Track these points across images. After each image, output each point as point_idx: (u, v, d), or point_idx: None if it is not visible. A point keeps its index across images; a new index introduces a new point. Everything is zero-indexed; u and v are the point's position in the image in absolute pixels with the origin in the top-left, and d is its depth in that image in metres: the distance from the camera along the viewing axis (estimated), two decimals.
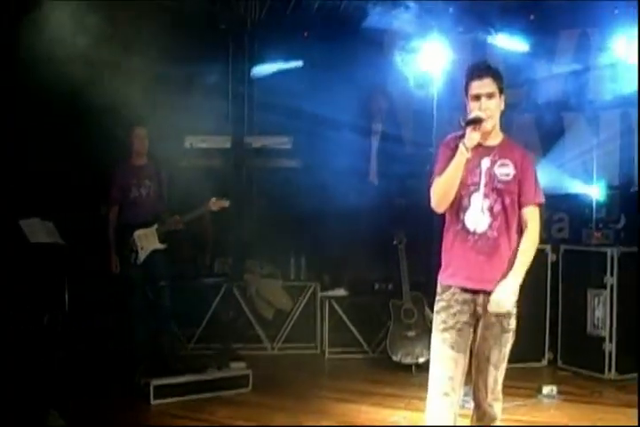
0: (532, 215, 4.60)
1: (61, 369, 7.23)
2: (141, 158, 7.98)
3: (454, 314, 4.54)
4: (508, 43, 9.26)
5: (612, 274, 7.65)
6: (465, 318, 4.52)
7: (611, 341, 7.65)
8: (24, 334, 7.61)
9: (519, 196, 4.55)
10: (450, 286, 4.58)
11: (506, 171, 4.55)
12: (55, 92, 7.93)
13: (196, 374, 7.24)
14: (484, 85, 4.55)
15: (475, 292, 4.51)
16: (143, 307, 7.85)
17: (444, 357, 4.56)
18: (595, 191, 8.42)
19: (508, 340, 4.58)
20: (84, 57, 7.71)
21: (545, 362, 8.29)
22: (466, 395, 7.21)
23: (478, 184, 4.52)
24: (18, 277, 7.78)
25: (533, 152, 9.11)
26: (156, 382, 6.96)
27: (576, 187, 8.79)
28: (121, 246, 7.82)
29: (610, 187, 8.40)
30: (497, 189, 4.51)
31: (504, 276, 4.48)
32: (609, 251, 7.71)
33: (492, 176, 4.52)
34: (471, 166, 4.50)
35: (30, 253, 7.78)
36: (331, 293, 9.00)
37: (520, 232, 4.59)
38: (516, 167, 4.55)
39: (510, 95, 9.38)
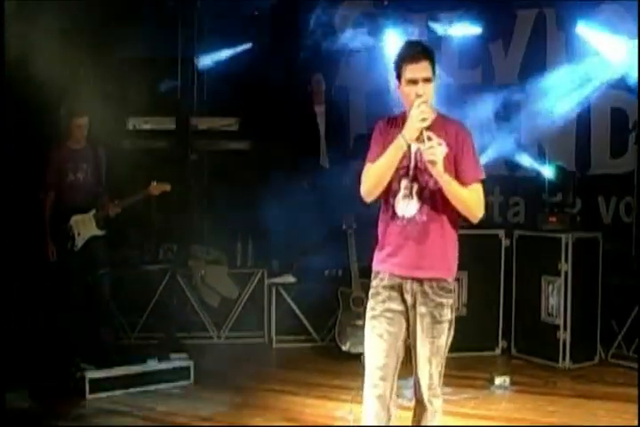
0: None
1: None
2: (79, 142, 7.63)
3: (383, 301, 4.30)
4: (464, 23, 9.09)
5: (566, 260, 7.45)
6: (394, 305, 4.29)
7: (565, 329, 7.47)
8: None
9: (457, 175, 4.24)
10: (379, 272, 4.35)
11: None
12: None
13: (135, 366, 6.95)
14: (422, 69, 4.21)
15: (403, 278, 4.27)
16: (81, 296, 7.53)
17: (371, 346, 4.33)
18: (550, 175, 8.15)
19: (443, 332, 4.31)
20: (18, 32, 7.37)
21: (499, 351, 8.11)
22: None
23: (408, 167, 4.25)
24: None
25: (489, 133, 9.10)
26: (91, 375, 6.67)
27: (531, 170, 8.63)
28: (57, 233, 7.50)
29: (565, 171, 8.19)
30: (428, 171, 4.20)
31: (435, 262, 4.26)
32: (563, 237, 7.51)
33: (422, 158, 4.20)
34: None
35: None
36: (279, 279, 8.70)
37: (458, 215, 4.32)
38: (449, 145, 4.23)
39: (466, 76, 9.38)
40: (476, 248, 8.00)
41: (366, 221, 8.49)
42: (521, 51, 9.25)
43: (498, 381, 6.96)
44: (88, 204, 7.60)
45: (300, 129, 9.40)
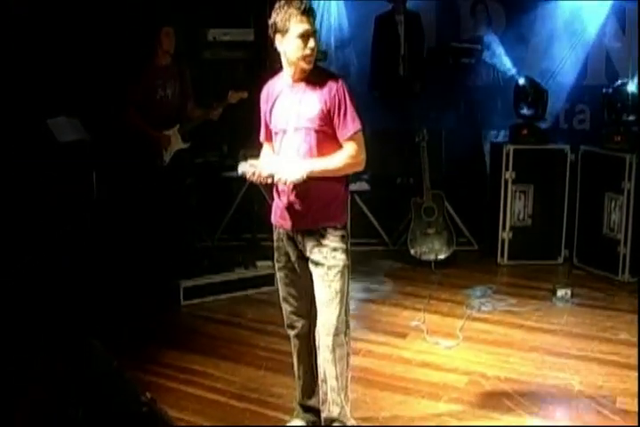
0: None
1: (90, 272, 7.39)
2: (166, 58, 7.80)
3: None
4: None
5: (629, 180, 7.61)
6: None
7: (625, 245, 7.71)
8: (54, 232, 7.73)
9: (334, 130, 4.41)
10: None
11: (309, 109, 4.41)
12: None
13: (224, 273, 7.53)
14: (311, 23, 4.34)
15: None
16: (171, 207, 7.87)
17: None
18: (617, 89, 8.04)
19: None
20: None
21: (561, 260, 8.38)
22: (482, 296, 7.55)
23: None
24: (46, 175, 7.78)
25: (555, 43, 9.21)
26: (185, 283, 7.25)
27: (598, 82, 8.76)
28: (145, 150, 7.74)
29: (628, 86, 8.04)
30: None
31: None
32: (628, 157, 7.63)
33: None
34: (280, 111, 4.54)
35: (59, 152, 7.78)
36: (353, 186, 8.94)
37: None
38: (324, 101, 4.35)
39: None
40: (543, 162, 8.32)
41: (439, 134, 8.92)
42: None
43: (560, 293, 7.25)
44: (173, 119, 7.82)
45: (380, 38, 9.62)
